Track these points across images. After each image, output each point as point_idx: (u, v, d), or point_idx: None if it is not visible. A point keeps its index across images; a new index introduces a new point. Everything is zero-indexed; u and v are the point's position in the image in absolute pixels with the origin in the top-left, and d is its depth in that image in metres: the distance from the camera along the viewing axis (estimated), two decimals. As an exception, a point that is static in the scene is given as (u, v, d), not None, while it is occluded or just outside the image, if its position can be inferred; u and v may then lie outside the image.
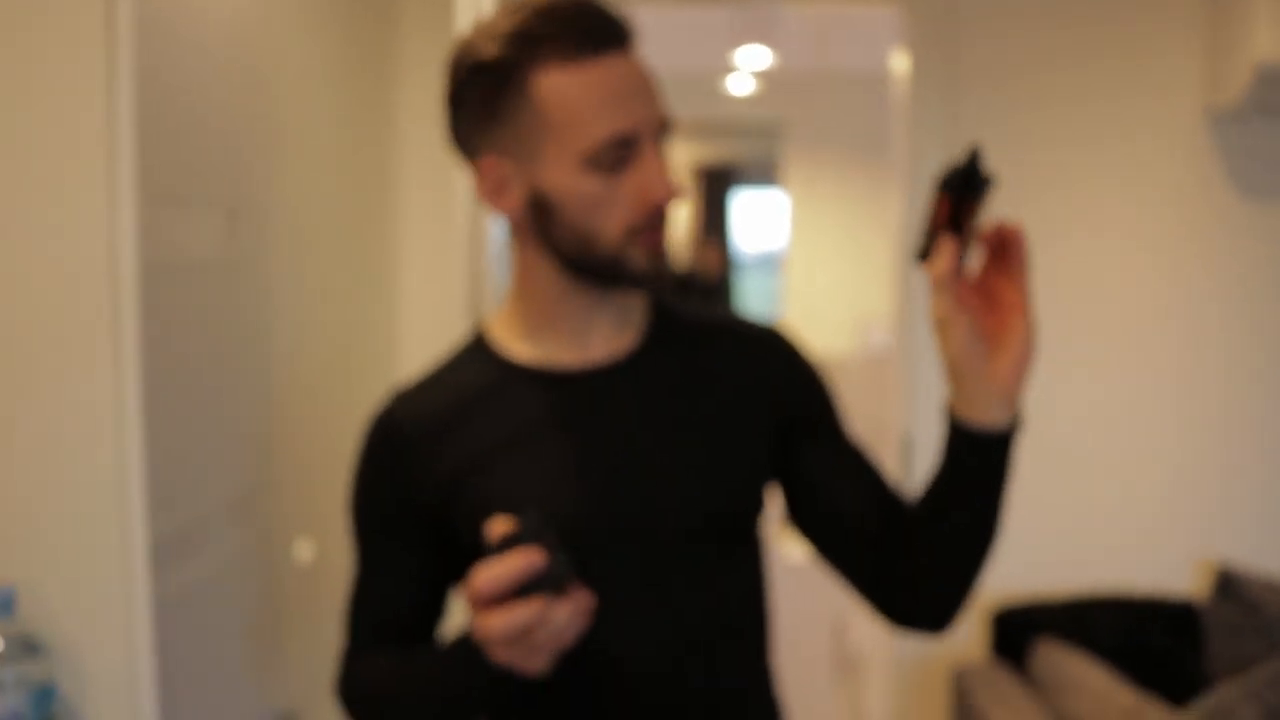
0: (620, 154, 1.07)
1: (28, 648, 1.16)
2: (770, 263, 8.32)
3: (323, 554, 1.83)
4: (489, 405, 1.16)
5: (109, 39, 1.20)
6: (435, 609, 1.22)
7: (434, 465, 1.15)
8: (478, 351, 1.21)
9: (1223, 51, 2.52)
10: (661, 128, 1.10)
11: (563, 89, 1.06)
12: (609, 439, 1.15)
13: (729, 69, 4.96)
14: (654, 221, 1.09)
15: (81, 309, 1.21)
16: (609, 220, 1.08)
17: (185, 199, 1.38)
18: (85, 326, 1.21)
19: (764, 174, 7.77)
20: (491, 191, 1.13)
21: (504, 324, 1.21)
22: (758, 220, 8.41)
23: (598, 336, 1.18)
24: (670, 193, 1.08)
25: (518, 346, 1.19)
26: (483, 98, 1.10)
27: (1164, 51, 2.61)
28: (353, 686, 1.20)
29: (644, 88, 1.09)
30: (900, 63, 2.68)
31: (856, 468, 1.23)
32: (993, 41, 2.60)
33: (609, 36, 1.07)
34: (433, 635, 1.22)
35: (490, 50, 1.08)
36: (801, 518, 1.23)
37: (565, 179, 1.08)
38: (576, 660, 1.08)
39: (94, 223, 1.21)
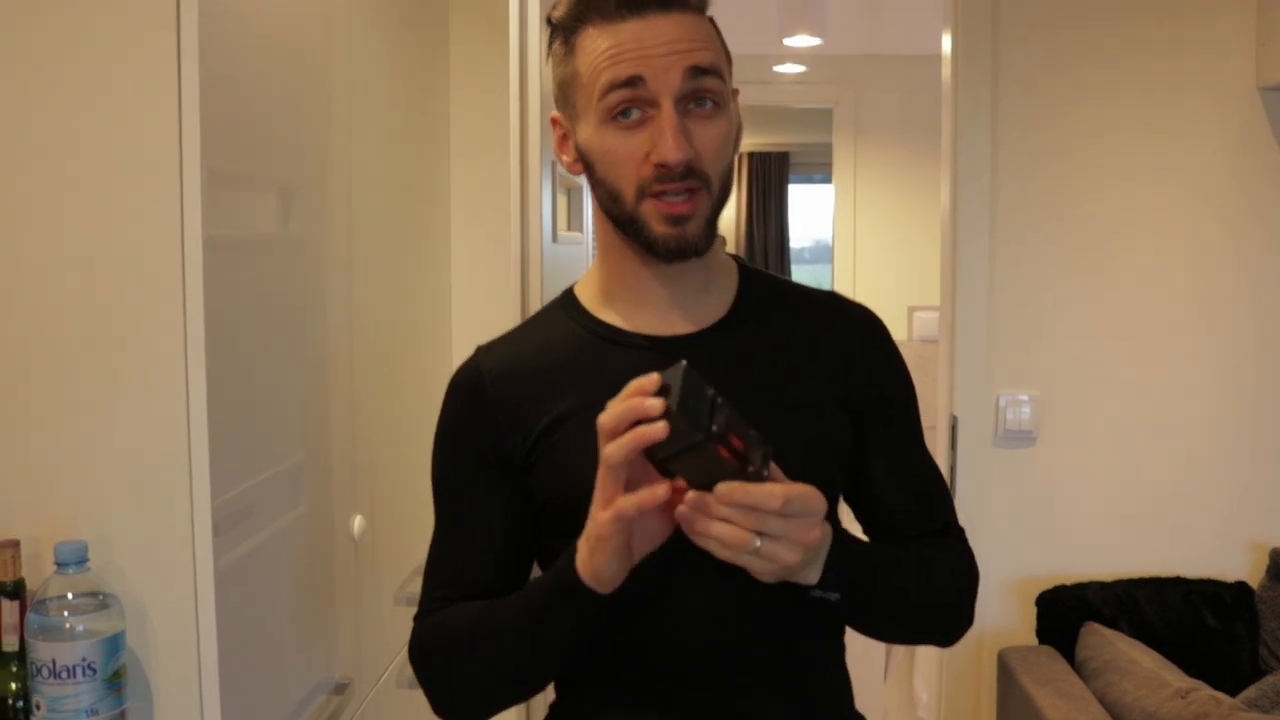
0: (634, 110, 1.08)
1: (98, 601, 1.21)
2: (820, 251, 8.30)
3: (373, 529, 1.88)
4: (574, 365, 1.17)
5: (178, 23, 1.25)
6: (519, 572, 1.21)
7: (519, 420, 1.15)
8: (567, 311, 1.23)
9: (1276, 35, 2.49)
10: (688, 85, 1.07)
11: (592, 45, 1.09)
12: None
13: (780, 56, 4.96)
14: (663, 181, 1.08)
15: (152, 285, 1.26)
16: (623, 176, 1.10)
17: (242, 179, 1.42)
18: (156, 299, 1.26)
19: (816, 162, 7.75)
20: (557, 145, 1.19)
21: (590, 287, 1.23)
22: (810, 208, 8.39)
23: (678, 304, 1.18)
24: (675, 154, 1.06)
25: (603, 311, 1.20)
26: (553, 54, 1.15)
27: (1214, 33, 2.57)
28: (429, 642, 1.18)
29: (673, 42, 1.07)
30: (947, 43, 2.68)
31: (913, 470, 1.26)
32: (1037, 23, 2.58)
33: (651, 2, 1.08)
34: None
35: (559, 11, 1.13)
36: (851, 498, 1.26)
37: (592, 133, 1.11)
38: (646, 616, 1.10)
39: (164, 202, 1.26)
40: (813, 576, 1.05)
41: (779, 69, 5.17)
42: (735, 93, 1.17)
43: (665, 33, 1.07)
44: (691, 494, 0.96)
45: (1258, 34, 2.56)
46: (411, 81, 2.19)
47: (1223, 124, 2.59)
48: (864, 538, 1.22)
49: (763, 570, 0.99)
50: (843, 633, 1.25)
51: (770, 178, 8.28)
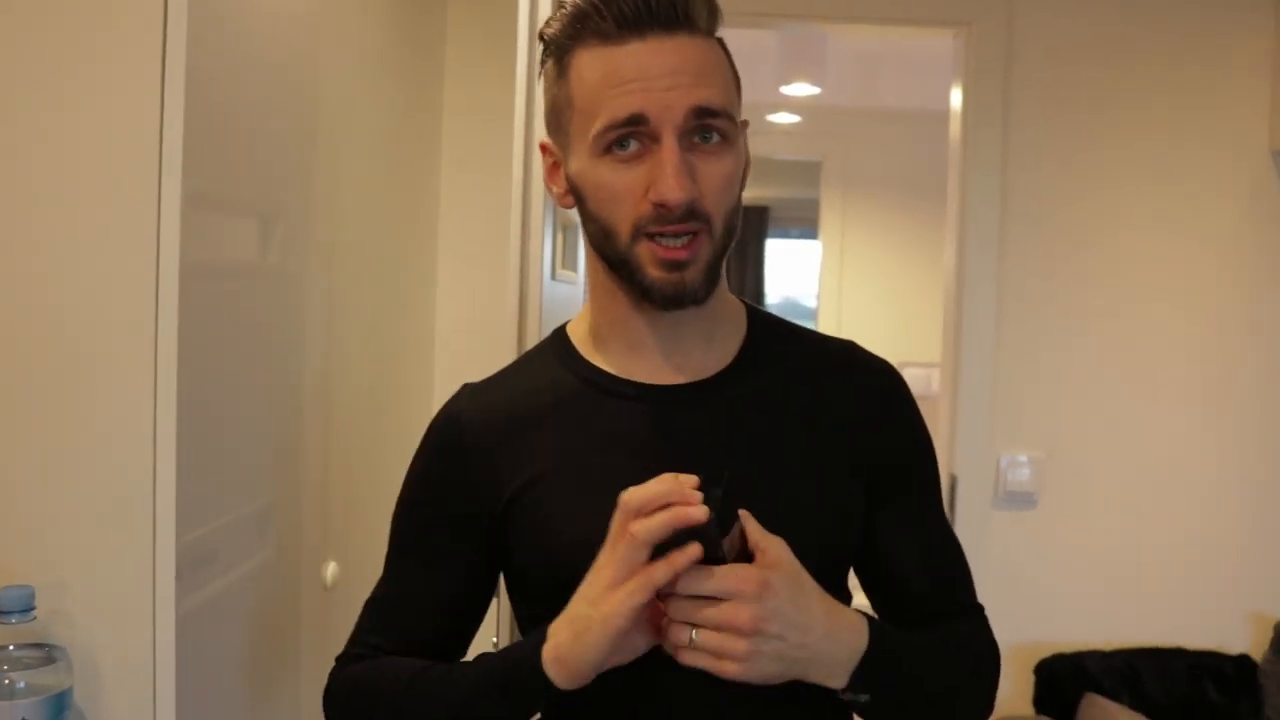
0: (633, 141, 0.98)
1: (44, 654, 1.10)
2: (788, 308, 8.22)
3: (347, 576, 1.77)
4: (562, 413, 1.08)
5: (164, 41, 1.16)
6: (462, 635, 1.13)
7: (495, 475, 1.07)
8: (557, 353, 1.13)
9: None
10: (693, 122, 0.98)
11: (588, 69, 1.00)
12: (687, 464, 1.01)
13: (775, 104, 4.92)
14: (661, 222, 0.98)
15: (123, 308, 1.17)
16: (618, 214, 1.00)
17: (223, 202, 1.34)
18: (127, 324, 1.17)
19: (795, 217, 7.72)
20: (547, 175, 1.09)
21: (582, 328, 1.14)
22: (783, 263, 8.33)
23: (676, 350, 1.08)
24: (677, 193, 0.96)
25: (596, 355, 1.11)
26: (545, 74, 1.06)
27: (1229, 96, 2.55)
28: (348, 694, 1.09)
29: (678, 74, 0.97)
30: (956, 97, 2.62)
31: (932, 544, 1.15)
32: (1048, 79, 2.54)
33: (654, 17, 0.98)
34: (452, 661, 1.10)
35: (551, 27, 1.03)
36: (863, 572, 1.16)
37: (585, 165, 1.02)
38: (630, 712, 1.01)
39: (141, 226, 1.16)
40: (838, 680, 0.97)
41: (772, 118, 5.13)
42: (744, 124, 1.07)
43: (669, 61, 0.97)
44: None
45: (1271, 99, 2.52)
46: (402, 106, 2.12)
47: (1235, 188, 2.55)
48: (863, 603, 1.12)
49: (738, 672, 0.92)
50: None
51: (749, 231, 8.24)
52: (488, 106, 2.31)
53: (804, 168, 5.75)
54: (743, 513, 0.94)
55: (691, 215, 0.98)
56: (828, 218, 5.39)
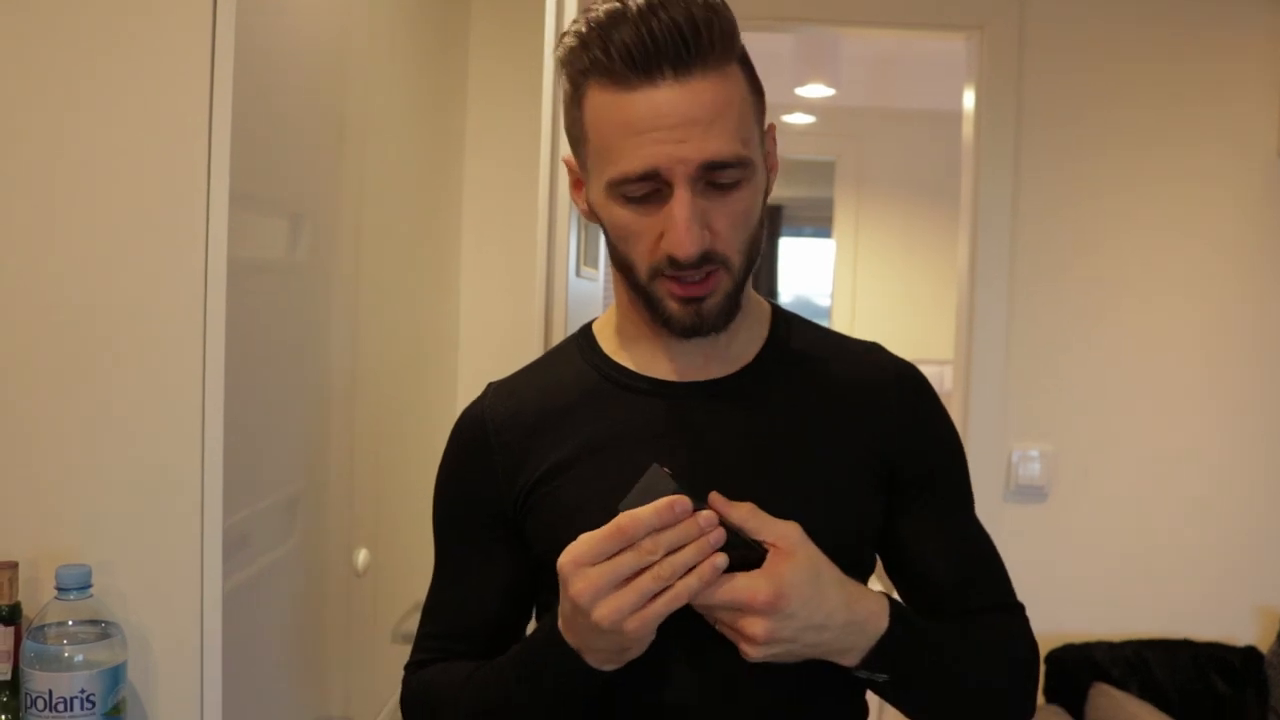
0: (648, 189, 0.98)
1: (100, 629, 1.16)
2: (798, 306, 8.23)
3: (376, 563, 1.82)
4: (583, 407, 1.10)
5: (213, 54, 1.22)
6: (518, 624, 1.16)
7: (522, 467, 1.09)
8: (581, 349, 1.16)
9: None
10: (707, 170, 0.97)
11: (600, 113, 0.99)
12: (704, 461, 1.05)
13: (790, 105, 4.96)
14: (675, 269, 0.99)
15: (174, 303, 1.22)
16: (635, 253, 1.02)
17: (260, 201, 1.39)
18: (177, 318, 1.22)
19: (808, 216, 7.74)
20: (572, 188, 1.11)
21: (609, 325, 1.16)
22: (795, 262, 8.34)
23: (699, 349, 1.09)
24: (688, 248, 0.96)
25: (619, 352, 1.13)
26: (564, 93, 1.06)
27: (1237, 97, 2.59)
28: (420, 696, 1.14)
29: (692, 123, 0.95)
30: (969, 99, 2.67)
31: (959, 544, 1.14)
32: (1060, 79, 2.58)
33: (662, 55, 0.95)
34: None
35: (561, 51, 1.02)
36: (893, 573, 1.17)
37: (600, 200, 1.03)
38: (639, 709, 1.03)
39: (191, 225, 1.22)
40: (851, 661, 0.99)
41: (787, 119, 5.17)
42: (771, 129, 1.07)
43: (681, 109, 0.95)
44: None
45: (1279, 101, 2.56)
46: (426, 104, 2.16)
47: (1243, 187, 2.59)
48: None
49: (754, 658, 0.95)
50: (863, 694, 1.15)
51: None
52: (512, 105, 2.35)
53: (818, 167, 5.78)
54: (750, 505, 0.96)
55: (706, 260, 0.99)
56: (841, 216, 5.43)
